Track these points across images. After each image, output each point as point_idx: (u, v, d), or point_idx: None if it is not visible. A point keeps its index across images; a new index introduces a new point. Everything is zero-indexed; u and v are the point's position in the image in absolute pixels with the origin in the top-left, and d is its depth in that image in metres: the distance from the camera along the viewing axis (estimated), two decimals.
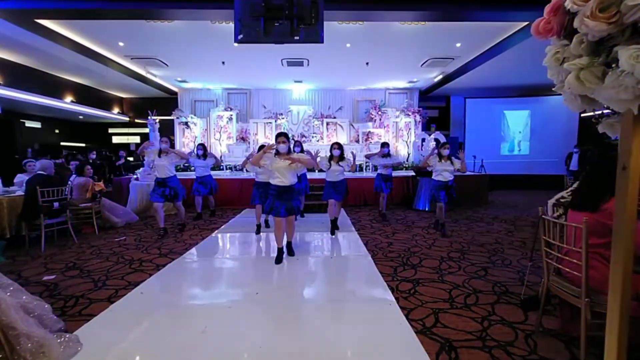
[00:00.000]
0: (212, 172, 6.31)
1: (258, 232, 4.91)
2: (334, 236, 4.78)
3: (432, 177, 4.89)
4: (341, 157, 4.71)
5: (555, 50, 0.89)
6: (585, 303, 1.76)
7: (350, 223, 5.63)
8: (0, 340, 1.69)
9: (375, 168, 9.20)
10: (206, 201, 6.30)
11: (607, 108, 0.86)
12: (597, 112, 1.03)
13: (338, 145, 4.71)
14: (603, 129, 0.95)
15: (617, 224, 0.91)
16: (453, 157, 4.76)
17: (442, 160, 4.72)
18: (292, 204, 3.65)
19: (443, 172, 4.72)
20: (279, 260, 3.64)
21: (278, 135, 3.63)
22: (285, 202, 3.60)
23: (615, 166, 0.93)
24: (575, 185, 2.13)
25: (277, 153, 3.58)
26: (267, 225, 5.21)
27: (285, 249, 3.81)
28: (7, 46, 6.70)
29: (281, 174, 3.58)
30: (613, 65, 0.75)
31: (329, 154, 4.79)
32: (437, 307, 2.58)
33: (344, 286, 3.17)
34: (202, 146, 6.09)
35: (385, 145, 5.78)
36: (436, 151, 4.94)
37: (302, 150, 5.59)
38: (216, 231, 5.21)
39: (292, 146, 5.43)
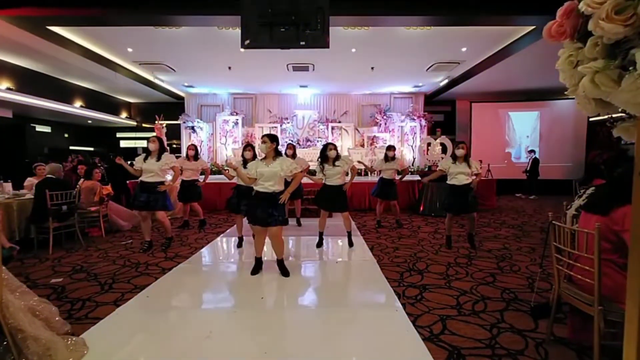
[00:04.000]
0: (217, 176, 6.18)
1: (240, 244, 4.47)
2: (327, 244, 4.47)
3: (446, 181, 4.35)
4: (337, 157, 4.22)
5: (569, 53, 0.88)
6: (599, 311, 1.72)
7: (355, 227, 5.60)
8: (8, 342, 1.70)
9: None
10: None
11: (623, 111, 0.84)
12: (611, 116, 1.01)
13: (333, 146, 4.24)
14: (618, 133, 0.93)
15: (635, 230, 0.88)
16: (470, 159, 4.26)
17: (457, 162, 4.18)
18: (275, 212, 3.20)
19: (457, 175, 4.16)
20: (255, 271, 3.36)
21: (262, 136, 3.31)
22: (267, 211, 3.17)
23: (632, 172, 0.91)
24: (590, 190, 2.10)
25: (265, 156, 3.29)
26: (239, 244, 4.49)
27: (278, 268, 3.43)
28: (18, 52, 6.85)
29: (266, 180, 3.20)
30: (630, 68, 0.74)
31: (322, 156, 4.25)
32: (445, 314, 2.54)
33: (349, 291, 3.14)
34: (193, 147, 5.58)
35: (390, 148, 5.58)
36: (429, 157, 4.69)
37: (294, 155, 5.33)
38: (221, 235, 5.22)
39: (285, 150, 5.28)
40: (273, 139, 3.29)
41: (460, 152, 4.18)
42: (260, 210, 3.19)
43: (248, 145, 4.42)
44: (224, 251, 4.57)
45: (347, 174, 4.37)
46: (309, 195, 6.89)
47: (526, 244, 4.60)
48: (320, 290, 3.14)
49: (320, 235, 4.46)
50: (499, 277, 3.32)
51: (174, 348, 2.12)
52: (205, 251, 4.35)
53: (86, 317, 2.51)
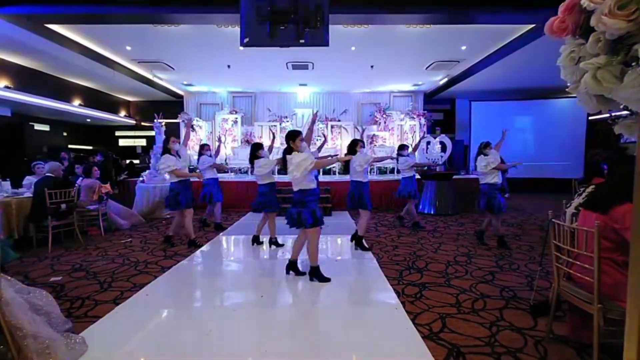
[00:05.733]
0: (218, 175, 6.14)
1: (257, 242, 4.47)
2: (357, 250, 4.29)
3: (486, 181, 4.34)
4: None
5: (570, 49, 0.87)
6: (598, 309, 1.72)
7: (355, 226, 5.60)
8: (8, 341, 1.69)
9: (381, 170, 9.19)
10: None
11: (625, 108, 0.84)
12: (610, 114, 1.01)
13: (363, 143, 4.24)
14: (619, 130, 0.93)
15: (636, 227, 0.88)
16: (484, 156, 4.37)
17: None
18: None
19: (491, 173, 4.27)
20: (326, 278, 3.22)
21: (300, 133, 3.12)
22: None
23: (632, 169, 0.90)
24: (589, 188, 2.11)
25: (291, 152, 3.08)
26: (276, 243, 4.41)
27: (290, 269, 3.36)
28: (17, 50, 6.82)
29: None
30: (632, 64, 0.73)
31: (350, 151, 4.21)
32: (444, 312, 2.54)
33: (349, 290, 3.14)
34: (208, 147, 5.57)
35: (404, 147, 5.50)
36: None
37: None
38: (221, 233, 5.21)
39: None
40: None
41: (489, 151, 4.33)
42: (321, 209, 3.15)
43: (260, 145, 4.36)
44: (223, 249, 4.57)
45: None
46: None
47: (525, 243, 4.61)
48: (319, 289, 3.13)
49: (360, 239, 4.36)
50: (498, 276, 3.32)
51: (174, 346, 2.12)
52: (205, 250, 4.35)
53: (85, 316, 2.51)
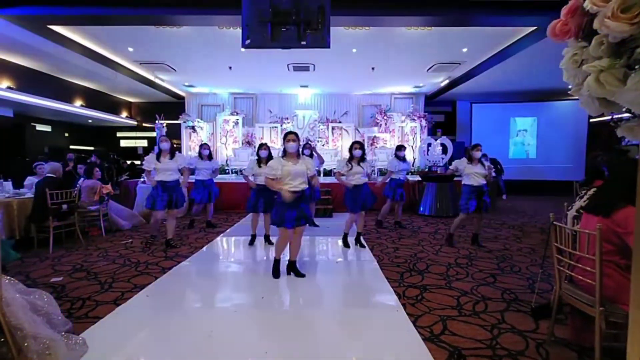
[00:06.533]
0: (220, 176, 6.15)
1: (252, 242, 4.56)
2: (348, 248, 4.41)
3: (463, 182, 4.39)
4: (362, 158, 4.24)
5: (573, 52, 0.87)
6: (600, 312, 1.71)
7: (355, 228, 5.59)
8: (8, 341, 1.69)
9: (382, 172, 9.17)
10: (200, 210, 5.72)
11: (627, 111, 0.84)
12: (614, 116, 1.01)
13: (359, 145, 4.24)
14: (622, 133, 0.92)
15: (639, 232, 0.88)
16: (483, 160, 4.40)
17: (472, 163, 4.29)
18: (305, 212, 3.23)
19: (474, 175, 4.25)
20: (277, 274, 3.32)
21: (288, 134, 3.25)
22: (297, 211, 3.16)
23: (634, 172, 0.90)
24: (591, 191, 2.10)
25: (285, 154, 3.24)
26: (268, 241, 4.55)
27: (287, 270, 3.41)
28: (19, 51, 6.84)
29: (294, 179, 3.16)
30: (636, 67, 0.74)
31: (348, 155, 4.31)
32: (445, 314, 2.54)
33: (349, 291, 3.14)
34: (207, 146, 5.57)
35: (402, 148, 5.53)
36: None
37: (310, 154, 5.36)
38: (222, 235, 5.21)
39: (301, 149, 5.38)
40: (298, 137, 3.32)
41: (478, 154, 4.31)
42: (295, 210, 3.15)
43: (265, 145, 4.49)
44: (224, 251, 4.57)
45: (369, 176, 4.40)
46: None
47: (526, 245, 4.59)
48: (320, 290, 3.13)
49: (345, 236, 4.49)
50: (499, 278, 3.31)
51: (174, 348, 2.12)
52: (205, 251, 4.34)
53: (86, 316, 2.50)
